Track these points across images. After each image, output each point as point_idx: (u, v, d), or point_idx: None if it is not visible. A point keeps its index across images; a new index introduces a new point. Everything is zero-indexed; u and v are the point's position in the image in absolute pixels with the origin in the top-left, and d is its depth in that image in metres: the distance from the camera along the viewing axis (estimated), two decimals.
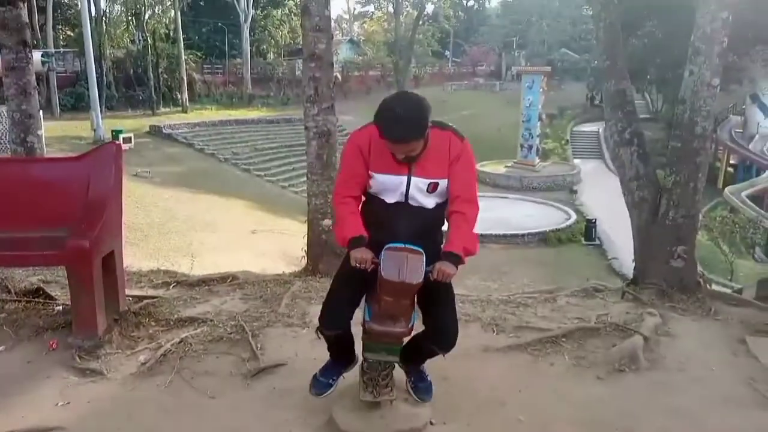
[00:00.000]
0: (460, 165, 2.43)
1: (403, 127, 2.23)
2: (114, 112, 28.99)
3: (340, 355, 2.76)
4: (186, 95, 31.64)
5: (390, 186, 2.44)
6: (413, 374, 2.81)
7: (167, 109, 31.39)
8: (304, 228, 5.75)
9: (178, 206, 18.59)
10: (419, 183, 2.42)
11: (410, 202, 2.45)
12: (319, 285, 4.78)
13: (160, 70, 31.11)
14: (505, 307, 4.21)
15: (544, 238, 20.00)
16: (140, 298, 4.20)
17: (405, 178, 2.41)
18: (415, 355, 2.70)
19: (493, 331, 3.73)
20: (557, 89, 40.14)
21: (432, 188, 2.43)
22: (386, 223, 2.45)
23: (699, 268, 5.15)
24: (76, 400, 2.90)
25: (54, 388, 3.01)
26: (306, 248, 5.69)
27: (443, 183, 2.43)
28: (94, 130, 23.48)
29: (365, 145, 2.44)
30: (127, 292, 4.06)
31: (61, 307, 3.87)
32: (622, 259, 17.99)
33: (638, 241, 5.24)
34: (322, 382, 2.75)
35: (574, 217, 21.94)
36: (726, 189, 25.29)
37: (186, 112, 31.05)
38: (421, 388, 2.80)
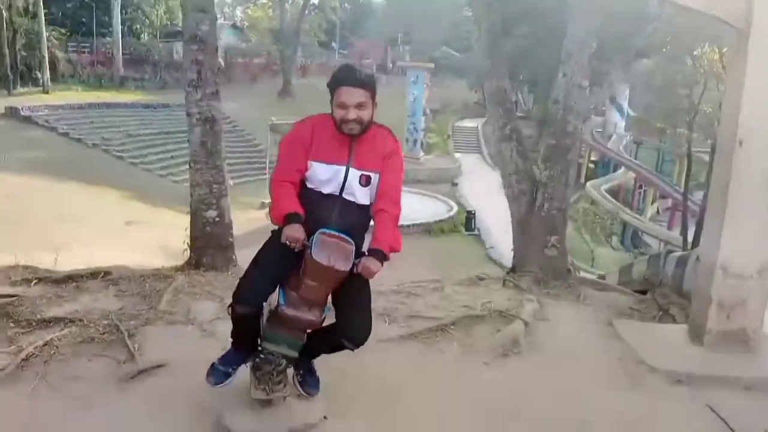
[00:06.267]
0: (391, 163, 2.56)
1: (361, 73, 2.46)
2: None
3: (243, 341, 2.63)
4: (47, 75, 28.75)
5: (329, 176, 2.48)
6: (303, 367, 2.76)
7: (26, 89, 28.36)
8: (185, 219, 5.44)
9: (40, 196, 16.89)
10: (355, 174, 2.50)
11: (345, 195, 2.51)
12: (204, 279, 4.54)
13: (17, 47, 27.97)
14: (396, 297, 4.26)
15: (428, 229, 20.63)
16: None
17: (344, 168, 2.48)
18: (317, 348, 2.65)
19: (386, 322, 3.76)
20: (440, 86, 41.53)
21: (365, 181, 2.50)
22: (318, 213, 2.48)
23: (569, 257, 5.56)
24: None
25: None
26: (189, 241, 5.39)
27: (375, 178, 2.52)
28: None
29: (308, 135, 2.51)
30: None
31: None
32: (499, 249, 19.04)
33: (517, 232, 5.56)
34: (221, 371, 2.64)
35: (455, 208, 22.85)
36: (588, 183, 27.67)
37: (47, 92, 28.23)
38: (310, 382, 2.76)
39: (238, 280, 2.51)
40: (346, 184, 2.49)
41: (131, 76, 33.69)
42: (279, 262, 2.46)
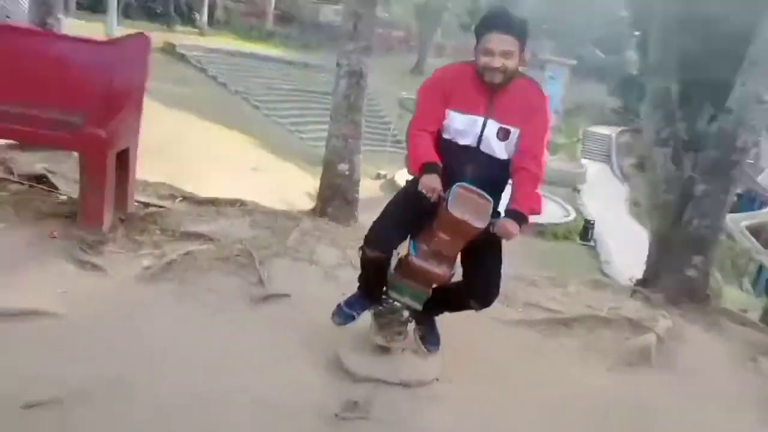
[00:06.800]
0: (536, 119, 2.37)
1: (514, 18, 2.29)
2: (130, 21, 28.15)
3: (369, 288, 2.63)
4: (205, 18, 30.83)
5: (465, 127, 2.37)
6: (426, 324, 2.72)
7: (184, 29, 30.59)
8: (305, 175, 5.61)
9: (182, 129, 18.22)
10: (493, 126, 2.35)
11: (482, 148, 2.38)
12: (328, 227, 4.64)
13: None
14: (514, 282, 4.09)
15: (541, 231, 19.91)
16: (146, 205, 4.06)
17: (482, 120, 2.35)
18: (442, 304, 2.59)
19: (503, 304, 3.62)
20: (577, 86, 39.62)
21: (503, 135, 2.35)
22: (454, 165, 2.37)
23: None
24: (75, 291, 2.78)
25: (53, 275, 2.89)
26: (317, 189, 5.55)
27: (515, 133, 2.36)
28: (108, 35, 22.84)
29: (448, 82, 2.41)
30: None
31: (65, 198, 3.72)
32: (615, 265, 18.01)
33: (654, 244, 5.17)
34: (346, 312, 2.66)
35: (573, 215, 21.88)
36: (727, 216, 25.25)
37: (203, 35, 30.29)
38: (431, 339, 2.72)
39: (363, 231, 2.47)
40: (483, 136, 2.36)
41: (278, 32, 35.21)
42: (413, 212, 2.39)
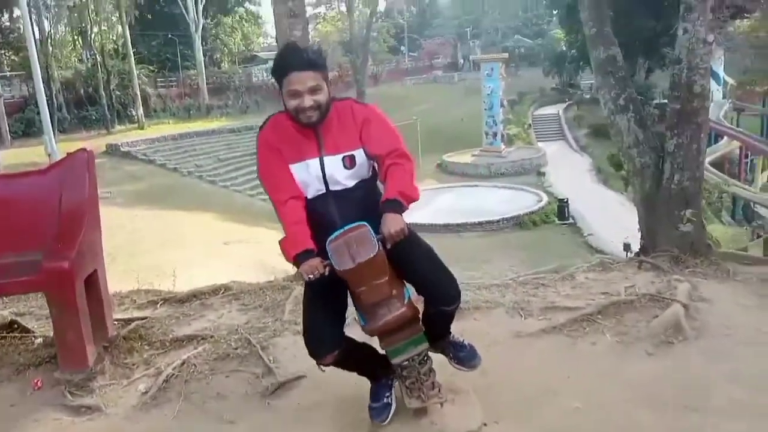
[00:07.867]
0: (372, 126, 2.24)
1: (308, 52, 2.15)
2: (68, 135, 27.87)
3: (370, 373, 2.47)
4: (141, 111, 30.74)
5: (306, 176, 2.22)
6: (449, 348, 2.56)
7: (123, 127, 30.46)
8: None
9: (145, 225, 17.92)
10: (333, 161, 2.21)
11: (332, 188, 2.24)
12: None
13: (111, 87, 30.15)
14: (523, 288, 3.96)
15: (518, 222, 20.03)
16: (127, 321, 3.79)
17: (317, 161, 2.22)
18: (434, 330, 2.41)
19: (520, 316, 3.48)
20: (514, 75, 40.46)
21: (349, 162, 2.22)
22: (320, 222, 2.22)
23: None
24: None
25: (47, 431, 2.62)
26: None
27: (359, 154, 2.23)
28: (49, 155, 22.32)
29: (273, 139, 2.26)
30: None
31: (41, 340, 3.45)
32: (598, 235, 18.14)
33: (643, 210, 5.09)
34: (378, 407, 2.44)
35: (545, 198, 22.07)
36: None
37: (143, 128, 30.16)
38: (464, 357, 2.55)
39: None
40: (327, 176, 2.21)
41: (216, 104, 35.32)
42: (326, 296, 2.24)
